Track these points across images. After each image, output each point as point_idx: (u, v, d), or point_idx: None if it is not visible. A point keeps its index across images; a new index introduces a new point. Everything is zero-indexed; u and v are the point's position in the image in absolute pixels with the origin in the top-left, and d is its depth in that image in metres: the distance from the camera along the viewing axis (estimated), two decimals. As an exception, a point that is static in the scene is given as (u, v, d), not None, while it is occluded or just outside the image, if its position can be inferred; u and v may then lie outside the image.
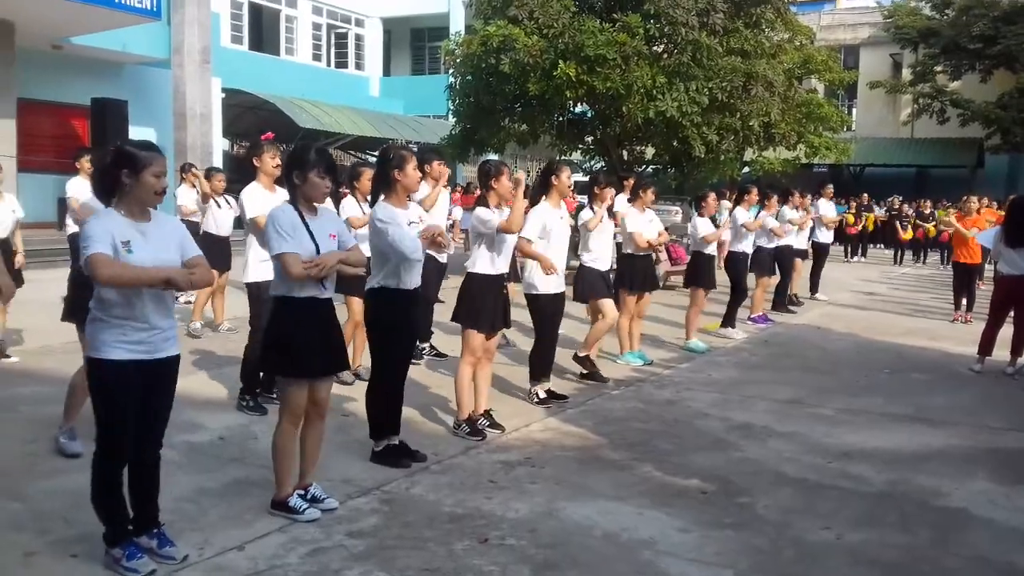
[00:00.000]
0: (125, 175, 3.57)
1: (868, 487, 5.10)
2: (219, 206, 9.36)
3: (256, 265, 6.07)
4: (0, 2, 14.00)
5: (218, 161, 20.27)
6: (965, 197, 12.66)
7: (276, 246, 4.15)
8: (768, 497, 4.87)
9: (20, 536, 4.02)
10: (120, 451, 3.67)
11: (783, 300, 12.21)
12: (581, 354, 7.56)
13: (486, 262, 5.78)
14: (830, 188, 14.59)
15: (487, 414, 5.95)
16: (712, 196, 9.50)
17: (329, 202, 9.67)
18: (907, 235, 22.61)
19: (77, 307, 4.96)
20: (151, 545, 3.77)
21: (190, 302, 10.75)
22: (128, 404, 3.62)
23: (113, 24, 16.63)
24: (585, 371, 7.56)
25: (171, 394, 3.83)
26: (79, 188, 8.89)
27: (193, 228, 10.40)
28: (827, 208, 14.08)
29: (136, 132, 17.32)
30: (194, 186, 11.09)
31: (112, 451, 3.66)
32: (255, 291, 6.13)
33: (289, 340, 4.21)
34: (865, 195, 25.87)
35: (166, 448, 3.93)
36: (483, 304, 5.74)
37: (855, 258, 23.11)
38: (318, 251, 4.19)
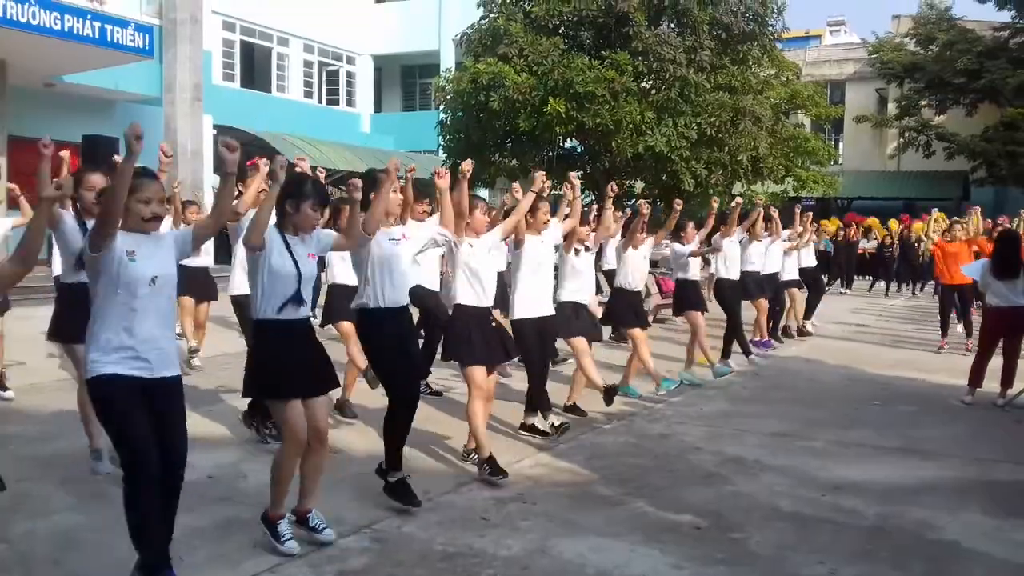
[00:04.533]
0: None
1: (861, 521, 5.09)
2: None
3: (244, 278, 6.08)
4: (-7, 41, 14.10)
5: (208, 197, 20.28)
6: (964, 218, 12.64)
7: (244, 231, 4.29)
8: (761, 532, 4.85)
9: (6, 578, 3.97)
10: (146, 464, 3.57)
11: (775, 327, 12.20)
12: (568, 403, 7.44)
13: (469, 293, 5.71)
14: (809, 216, 14.62)
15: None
16: (691, 226, 9.46)
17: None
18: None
19: (65, 325, 5.00)
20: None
21: (179, 335, 10.73)
22: (137, 420, 3.57)
23: (106, 63, 16.73)
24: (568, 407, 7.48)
25: (183, 411, 3.80)
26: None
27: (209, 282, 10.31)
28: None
29: (127, 169, 17.38)
30: (189, 224, 11.08)
31: (135, 474, 3.57)
32: (244, 303, 6.18)
33: (271, 363, 4.23)
34: (852, 227, 25.98)
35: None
36: (473, 337, 5.65)
37: (843, 290, 23.09)
38: (299, 272, 4.23)
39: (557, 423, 6.71)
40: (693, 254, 9.34)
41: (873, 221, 25.51)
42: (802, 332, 12.91)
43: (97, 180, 4.91)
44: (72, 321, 4.62)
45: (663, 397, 8.28)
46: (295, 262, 4.25)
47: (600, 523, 4.92)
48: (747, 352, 10.32)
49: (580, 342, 7.18)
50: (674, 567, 4.33)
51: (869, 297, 21.47)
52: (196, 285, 9.07)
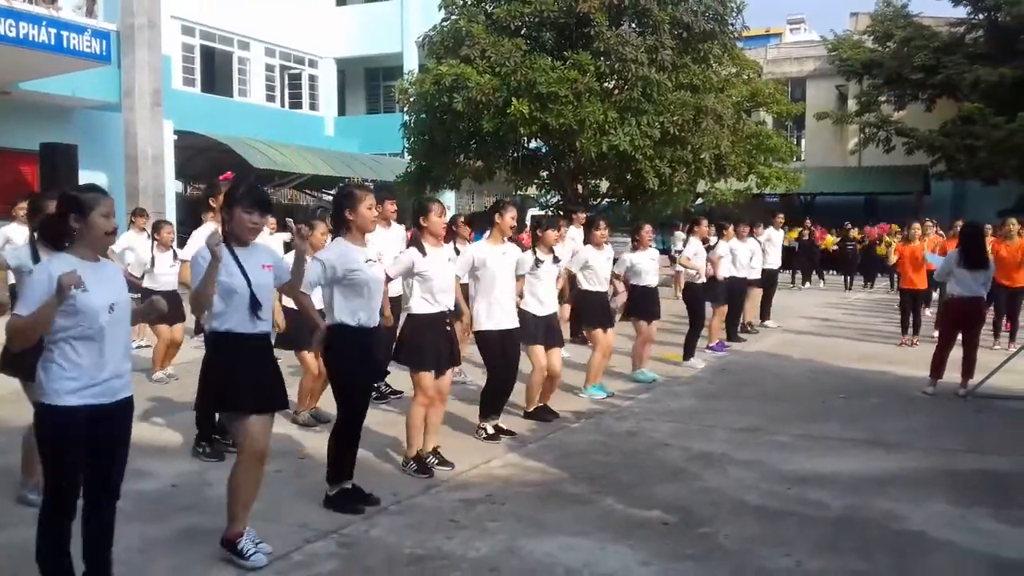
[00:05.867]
0: (74, 219, 3.52)
1: (827, 512, 5.13)
2: (174, 258, 9.15)
3: None
4: (-56, 48, 13.82)
5: (171, 203, 20.06)
6: (916, 222, 12.92)
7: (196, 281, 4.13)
8: (729, 526, 4.87)
9: (-37, 595, 3.88)
10: (70, 506, 3.56)
11: (735, 329, 12.30)
12: (530, 409, 7.40)
13: (422, 301, 5.77)
14: (780, 217, 14.84)
15: (435, 451, 5.90)
16: (647, 228, 9.29)
17: (277, 243, 9.51)
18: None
19: (15, 358, 4.80)
20: (97, 601, 3.65)
21: (142, 346, 10.59)
22: (78, 455, 3.51)
23: (62, 69, 16.46)
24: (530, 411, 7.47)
25: (128, 440, 3.74)
26: (13, 233, 8.75)
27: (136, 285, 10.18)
28: (777, 236, 14.28)
29: (87, 176, 17.07)
30: (143, 230, 10.92)
31: (62, 505, 3.55)
32: None
33: (223, 376, 4.16)
34: (808, 221, 26.31)
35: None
36: (424, 343, 5.70)
37: (806, 285, 23.40)
38: (249, 283, 4.14)
39: (490, 431, 6.74)
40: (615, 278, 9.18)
41: (829, 241, 25.94)
42: (747, 329, 13.01)
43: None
44: (24, 355, 4.31)
45: (631, 395, 8.32)
46: (244, 274, 4.15)
47: (569, 522, 4.91)
48: (692, 354, 10.34)
49: (538, 351, 7.20)
50: (643, 563, 4.33)
51: (834, 292, 21.70)
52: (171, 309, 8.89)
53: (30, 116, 18.19)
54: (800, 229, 24.14)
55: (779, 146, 20.39)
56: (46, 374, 3.49)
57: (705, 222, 10.87)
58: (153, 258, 9.14)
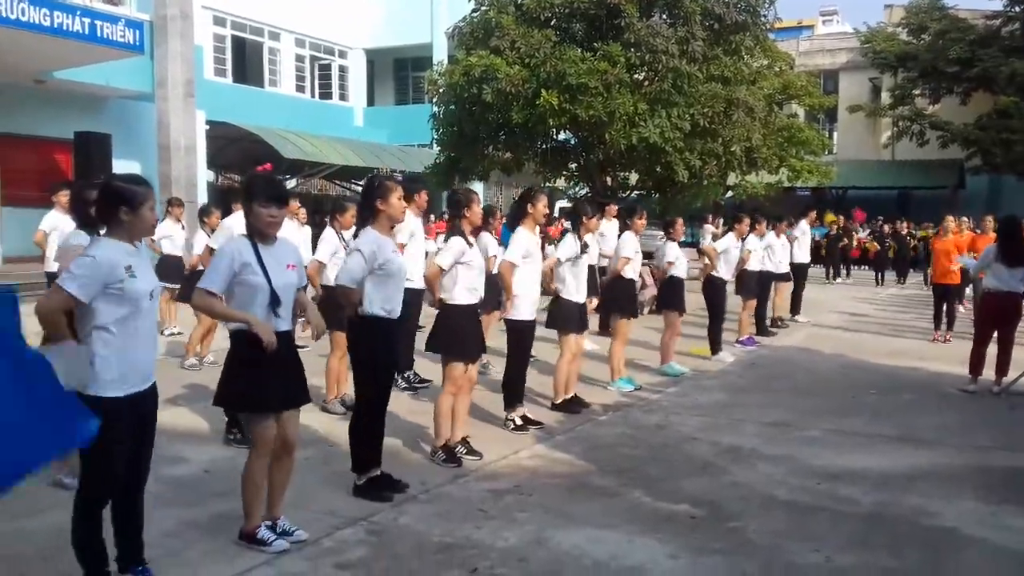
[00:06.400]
0: (124, 212, 3.57)
1: (858, 508, 5.09)
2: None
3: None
4: (-19, 38, 13.99)
5: (203, 192, 20.24)
6: (950, 218, 12.78)
7: (204, 279, 4.13)
8: (758, 521, 4.85)
9: (0, 576, 3.96)
10: (109, 493, 3.63)
11: (762, 323, 12.23)
12: (557, 401, 7.42)
13: (463, 292, 5.78)
14: (813, 214, 14.79)
15: (464, 441, 5.93)
16: (680, 222, 9.50)
17: (307, 232, 9.64)
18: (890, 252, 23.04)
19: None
20: (132, 581, 3.72)
21: (174, 332, 10.73)
22: (122, 443, 3.57)
23: (96, 59, 16.63)
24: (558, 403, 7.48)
25: (155, 423, 3.80)
26: (55, 222, 8.89)
27: (177, 262, 10.37)
28: (803, 228, 14.18)
29: (120, 165, 17.26)
30: (178, 220, 11.08)
31: (101, 493, 3.62)
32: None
33: (248, 375, 4.16)
34: (842, 217, 26.08)
35: (151, 482, 3.88)
36: (464, 334, 5.74)
37: (837, 279, 23.24)
38: (269, 283, 4.10)
39: (519, 422, 6.76)
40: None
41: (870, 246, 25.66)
42: (777, 324, 12.92)
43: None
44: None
45: (660, 388, 8.32)
46: (265, 273, 4.11)
47: (597, 514, 4.91)
48: (719, 348, 10.29)
49: (572, 339, 7.29)
50: (671, 557, 4.32)
51: (865, 287, 21.50)
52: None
53: (65, 105, 18.42)
54: (832, 222, 23.98)
55: (811, 139, 20.20)
56: (92, 366, 3.51)
57: (747, 220, 10.83)
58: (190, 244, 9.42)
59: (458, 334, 5.74)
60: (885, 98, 34.00)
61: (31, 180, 17.75)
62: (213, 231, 9.55)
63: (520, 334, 6.68)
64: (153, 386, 3.73)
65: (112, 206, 3.58)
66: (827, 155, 25.79)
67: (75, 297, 3.44)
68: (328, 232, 7.13)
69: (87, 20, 15.13)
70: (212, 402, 4.41)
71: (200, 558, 4.15)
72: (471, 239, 5.92)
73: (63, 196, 8.64)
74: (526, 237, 6.55)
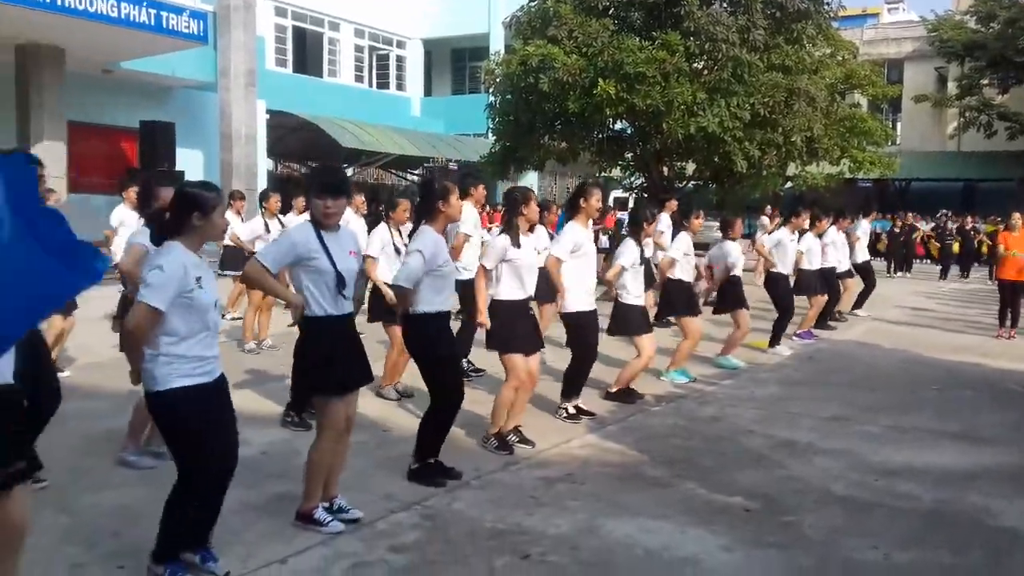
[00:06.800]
0: (196, 217, 3.66)
1: (917, 506, 5.00)
2: (268, 230, 9.63)
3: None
4: (51, 28, 14.36)
5: (262, 180, 20.57)
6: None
7: (261, 252, 4.33)
8: (814, 515, 4.79)
9: (69, 548, 4.09)
10: (207, 483, 3.72)
11: (824, 317, 12.02)
12: (613, 391, 7.41)
13: (510, 288, 5.80)
14: (875, 214, 14.49)
15: (516, 430, 5.95)
16: (739, 223, 9.35)
17: (361, 222, 9.75)
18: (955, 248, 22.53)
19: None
20: (194, 560, 3.81)
21: (236, 318, 10.94)
22: (208, 428, 3.67)
23: (161, 49, 17.00)
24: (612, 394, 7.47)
25: (231, 412, 3.89)
26: (123, 216, 9.15)
27: (239, 252, 10.58)
28: (865, 227, 13.91)
29: (183, 154, 17.67)
30: (239, 213, 11.31)
31: (200, 486, 3.70)
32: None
33: (327, 358, 4.27)
34: (910, 214, 25.53)
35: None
36: (514, 328, 5.77)
37: (899, 273, 22.78)
38: (335, 267, 4.21)
39: (571, 411, 6.76)
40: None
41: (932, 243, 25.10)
42: (836, 318, 12.69)
43: (168, 195, 4.86)
44: None
45: (714, 380, 8.27)
46: (330, 257, 4.23)
47: (649, 504, 4.90)
48: (778, 342, 10.15)
49: (646, 341, 7.31)
50: (724, 549, 4.30)
51: (928, 281, 21.02)
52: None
53: (131, 94, 18.87)
54: (894, 216, 23.53)
55: (874, 129, 19.76)
56: (155, 364, 3.60)
57: (806, 214, 10.61)
58: (267, 224, 9.66)
59: (510, 329, 5.76)
60: (951, 88, 33.14)
61: (98, 167, 18.25)
62: (273, 215, 9.79)
63: (576, 326, 6.67)
64: (223, 379, 3.82)
65: (185, 212, 3.67)
66: (890, 146, 25.21)
67: (156, 308, 3.51)
68: (381, 227, 7.21)
69: (153, 11, 15.46)
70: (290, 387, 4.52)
71: (258, 538, 4.24)
72: (524, 237, 5.91)
73: (132, 192, 8.85)
74: (576, 231, 6.54)
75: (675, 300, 8.44)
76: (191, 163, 18.65)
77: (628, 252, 7.22)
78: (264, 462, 5.46)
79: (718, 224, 9.89)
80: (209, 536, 3.88)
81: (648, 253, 8.59)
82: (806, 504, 4.98)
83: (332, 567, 3.94)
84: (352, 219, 9.14)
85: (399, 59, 29.30)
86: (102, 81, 18.44)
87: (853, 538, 4.48)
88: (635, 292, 7.28)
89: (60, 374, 7.69)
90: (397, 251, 6.83)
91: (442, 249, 5.05)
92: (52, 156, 15.32)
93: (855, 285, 13.16)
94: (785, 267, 10.16)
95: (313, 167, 6.93)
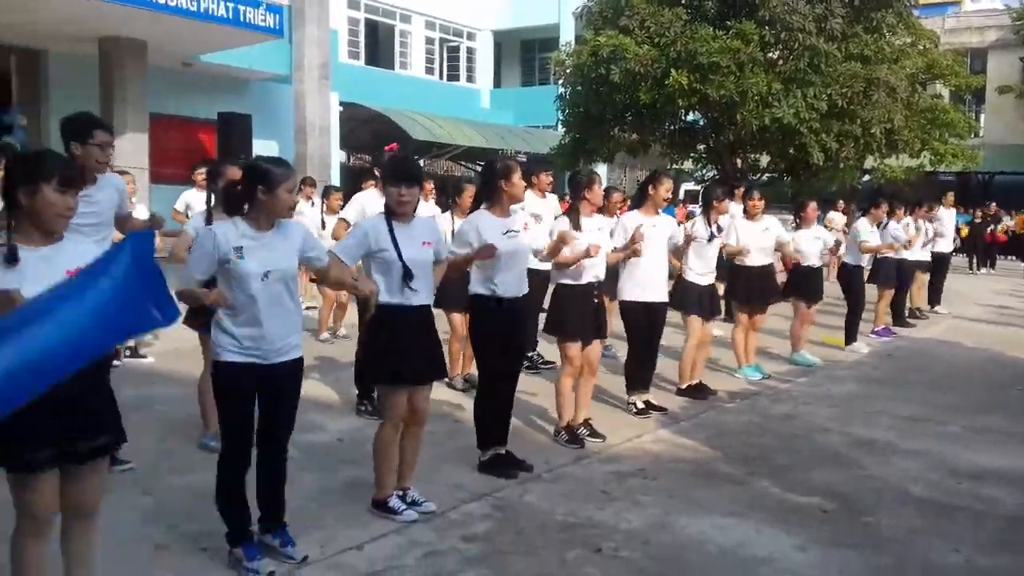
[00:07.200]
0: (261, 191, 3.69)
1: (1001, 509, 4.85)
2: (324, 227, 9.74)
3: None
4: (133, 22, 14.73)
5: (335, 172, 20.85)
6: None
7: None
8: (892, 517, 4.69)
9: (151, 529, 4.22)
10: (240, 454, 3.79)
11: (901, 313, 11.72)
12: (683, 386, 7.33)
13: (570, 272, 5.72)
14: (951, 196, 13.99)
15: (587, 423, 5.93)
16: (812, 206, 9.07)
17: (431, 210, 9.78)
18: None
19: (197, 314, 5.19)
20: (274, 544, 3.89)
21: (311, 307, 11.12)
22: (244, 407, 3.74)
23: (239, 42, 17.30)
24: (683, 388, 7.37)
25: (293, 397, 3.93)
26: (188, 199, 9.47)
27: None
28: (948, 217, 13.47)
29: (259, 145, 17.99)
30: (309, 199, 11.47)
31: (234, 454, 3.79)
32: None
33: (384, 348, 4.31)
34: (993, 204, 24.70)
35: (290, 448, 4.04)
36: (569, 315, 5.70)
37: (982, 270, 22.07)
38: (400, 258, 4.23)
39: (640, 405, 6.68)
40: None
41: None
42: (916, 315, 12.34)
43: (236, 173, 4.93)
44: (206, 312, 4.67)
45: (789, 378, 8.13)
46: (397, 248, 4.24)
47: (723, 501, 4.84)
48: (854, 339, 9.90)
49: (696, 321, 7.22)
50: (799, 549, 4.23)
51: (1011, 278, 20.32)
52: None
53: (209, 87, 19.28)
54: (975, 211, 22.79)
55: (956, 121, 19.14)
56: (214, 331, 3.76)
57: (885, 206, 10.32)
58: (323, 221, 9.73)
59: (567, 314, 5.70)
60: (1039, 78, 31.88)
61: (177, 158, 18.69)
62: (333, 212, 9.83)
63: (628, 315, 6.60)
64: (288, 363, 3.83)
65: (251, 185, 3.72)
66: (973, 138, 24.38)
67: (192, 274, 3.65)
68: (444, 217, 7.25)
69: (231, 5, 15.75)
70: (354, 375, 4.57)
71: (335, 522, 4.31)
72: (586, 219, 5.84)
73: (199, 175, 9.17)
74: (633, 220, 6.46)
75: (737, 287, 8.29)
76: (266, 154, 18.99)
77: (695, 228, 7.21)
78: (340, 448, 5.56)
79: (791, 216, 9.65)
80: (282, 518, 3.96)
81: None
82: (884, 505, 4.87)
83: (406, 555, 3.99)
84: (424, 207, 9.19)
85: (469, 51, 29.38)
86: (182, 74, 18.87)
87: (933, 540, 4.37)
88: (698, 270, 7.19)
89: (142, 360, 7.99)
90: None
91: (489, 230, 4.93)
92: (135, 147, 15.76)
93: (925, 279, 12.78)
94: (859, 258, 9.91)
95: (377, 155, 6.95)
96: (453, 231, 6.92)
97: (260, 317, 3.69)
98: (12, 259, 2.83)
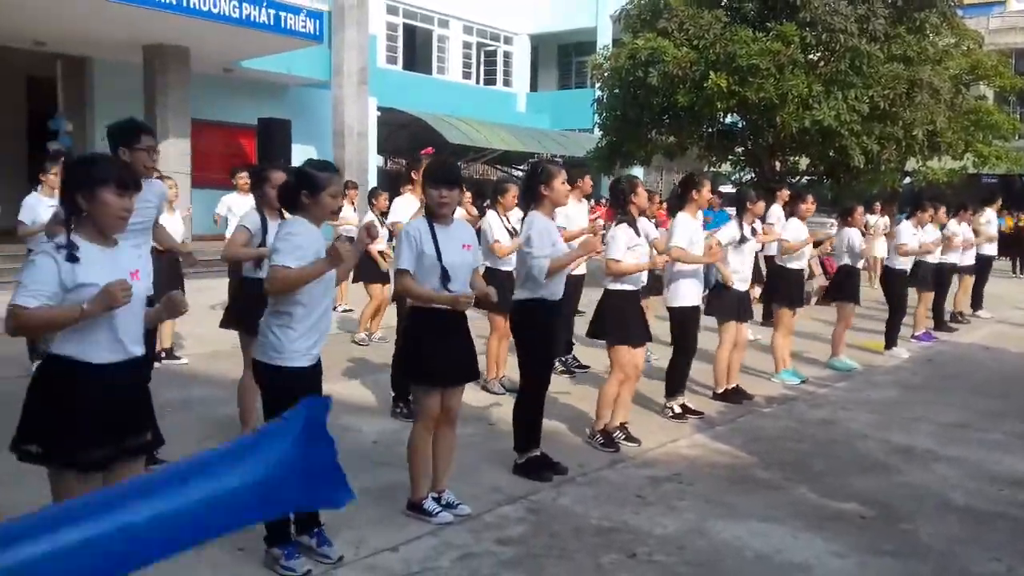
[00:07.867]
0: (305, 195, 3.75)
1: (1045, 519, 4.76)
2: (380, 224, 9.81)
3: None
4: (176, 29, 14.98)
5: (373, 176, 21.02)
6: None
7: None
8: (932, 524, 4.62)
9: (193, 528, 4.27)
10: None
11: (941, 317, 11.54)
12: (719, 391, 7.29)
13: (631, 278, 5.76)
14: (999, 203, 13.76)
15: (622, 427, 5.92)
16: (860, 209, 9.08)
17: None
18: None
19: (240, 315, 5.26)
20: (310, 544, 3.94)
21: (347, 310, 11.21)
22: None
23: (279, 48, 17.53)
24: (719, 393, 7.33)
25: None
26: (229, 202, 9.61)
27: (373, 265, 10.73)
28: (991, 220, 13.24)
29: (298, 150, 18.20)
30: (352, 203, 11.58)
31: None
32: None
33: (419, 349, 4.35)
34: None
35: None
36: (626, 319, 5.73)
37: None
38: (440, 260, 4.25)
39: (677, 409, 6.66)
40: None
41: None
42: (957, 319, 12.13)
43: (280, 177, 4.98)
44: (249, 312, 4.72)
45: (827, 383, 8.05)
46: (437, 249, 4.26)
47: (759, 507, 4.81)
48: (894, 343, 9.76)
49: (733, 327, 7.21)
50: (837, 555, 4.18)
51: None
52: (374, 268, 9.39)
53: (249, 92, 19.55)
54: (1019, 214, 22.35)
55: (1001, 122, 18.76)
56: (279, 337, 3.75)
57: (931, 210, 10.19)
58: (379, 222, 9.82)
59: (621, 319, 5.73)
60: (1087, 78, 31.20)
61: (218, 163, 18.95)
62: (383, 213, 9.95)
63: (683, 320, 6.59)
64: (318, 363, 3.92)
65: (296, 189, 3.77)
66: (1018, 140, 23.91)
67: (288, 267, 3.65)
68: (491, 215, 7.24)
69: (272, 11, 15.97)
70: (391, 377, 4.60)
71: (370, 524, 4.35)
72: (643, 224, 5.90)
73: (240, 179, 9.32)
74: (689, 222, 6.46)
75: (781, 287, 8.22)
76: (305, 159, 19.17)
77: (727, 230, 7.20)
78: (374, 451, 5.60)
79: (831, 219, 9.60)
80: (318, 518, 4.00)
81: (757, 247, 8.33)
82: (924, 512, 4.81)
83: (441, 557, 4.02)
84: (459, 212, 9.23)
85: (506, 55, 29.45)
86: (223, 80, 19.15)
87: (974, 549, 4.30)
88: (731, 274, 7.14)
89: (177, 362, 8.10)
90: (510, 233, 6.89)
91: (551, 232, 5.06)
92: (178, 152, 16.03)
93: (970, 282, 12.59)
94: (901, 262, 9.80)
95: (435, 155, 6.97)
96: (506, 227, 6.95)
97: (316, 317, 3.78)
98: (73, 257, 2.93)
